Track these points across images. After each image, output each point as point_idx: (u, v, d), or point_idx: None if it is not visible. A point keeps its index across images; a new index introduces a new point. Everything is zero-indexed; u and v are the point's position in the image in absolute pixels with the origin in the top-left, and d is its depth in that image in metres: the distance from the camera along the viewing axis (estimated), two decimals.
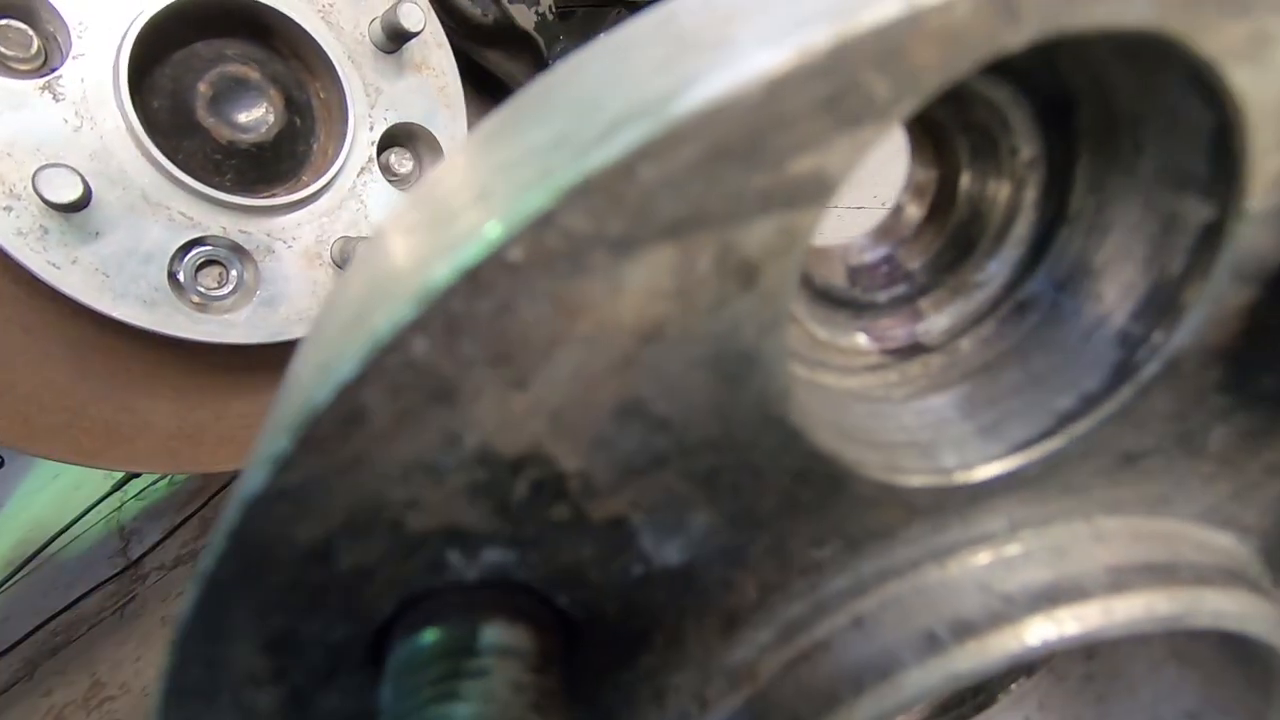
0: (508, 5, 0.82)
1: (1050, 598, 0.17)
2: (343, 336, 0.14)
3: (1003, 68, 0.17)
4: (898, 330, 0.21)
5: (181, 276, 0.66)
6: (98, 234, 0.61)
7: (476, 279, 0.13)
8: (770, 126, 0.12)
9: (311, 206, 0.71)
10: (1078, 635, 0.17)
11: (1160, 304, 0.17)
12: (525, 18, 0.84)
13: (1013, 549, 0.18)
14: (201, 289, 0.67)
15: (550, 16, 0.87)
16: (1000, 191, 0.20)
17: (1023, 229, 0.20)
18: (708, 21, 0.15)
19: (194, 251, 0.66)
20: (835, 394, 0.20)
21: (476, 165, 0.17)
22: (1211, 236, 0.16)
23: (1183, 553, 0.19)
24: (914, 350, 0.21)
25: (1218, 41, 0.14)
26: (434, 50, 0.76)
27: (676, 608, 0.18)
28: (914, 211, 0.22)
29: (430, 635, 0.15)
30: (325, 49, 0.70)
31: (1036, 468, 0.18)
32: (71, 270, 0.60)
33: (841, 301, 0.22)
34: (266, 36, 0.70)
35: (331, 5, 0.70)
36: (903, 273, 0.22)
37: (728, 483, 0.16)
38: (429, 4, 0.75)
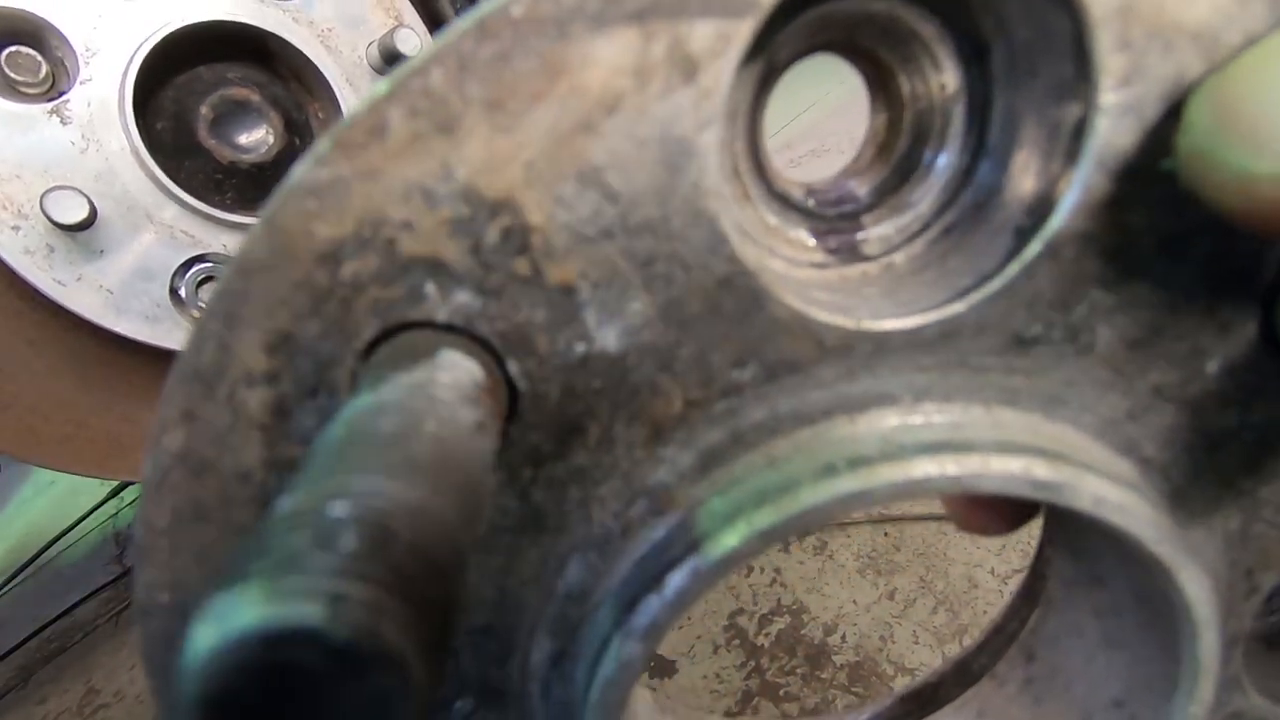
0: None
1: (938, 448, 0.20)
2: (388, 77, 0.17)
3: (926, 3, 0.21)
4: (842, 236, 0.24)
5: (183, 292, 0.68)
6: (102, 252, 0.63)
7: (485, 26, 0.16)
8: None
9: None
10: (954, 475, 0.19)
11: (1045, 198, 0.20)
12: None
13: (916, 417, 0.21)
14: (202, 304, 0.69)
15: None
16: (933, 123, 0.23)
17: (950, 156, 0.22)
18: None
19: (195, 268, 0.68)
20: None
21: None
22: (1079, 131, 0.18)
23: (1077, 451, 0.21)
24: (854, 256, 0.23)
25: None
26: None
27: (610, 402, 0.20)
28: (867, 152, 0.25)
29: (397, 348, 0.18)
30: (324, 72, 0.72)
31: (934, 330, 0.20)
32: (77, 287, 0.62)
33: (795, 206, 0.24)
34: (267, 60, 0.72)
35: (331, 30, 0.73)
36: (852, 196, 0.24)
37: (661, 272, 0.19)
38: (424, 30, 0.78)
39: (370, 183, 0.17)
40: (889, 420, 0.21)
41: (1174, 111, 0.18)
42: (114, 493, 1.72)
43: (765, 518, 0.19)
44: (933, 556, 1.31)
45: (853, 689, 1.14)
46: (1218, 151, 0.16)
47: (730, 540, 0.19)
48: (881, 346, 0.20)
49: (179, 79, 0.67)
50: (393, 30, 0.73)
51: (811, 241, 0.24)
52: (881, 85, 0.24)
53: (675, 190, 0.18)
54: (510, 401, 0.19)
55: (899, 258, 0.23)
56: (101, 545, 1.68)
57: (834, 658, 1.17)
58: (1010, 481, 0.19)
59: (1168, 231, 0.19)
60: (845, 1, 0.20)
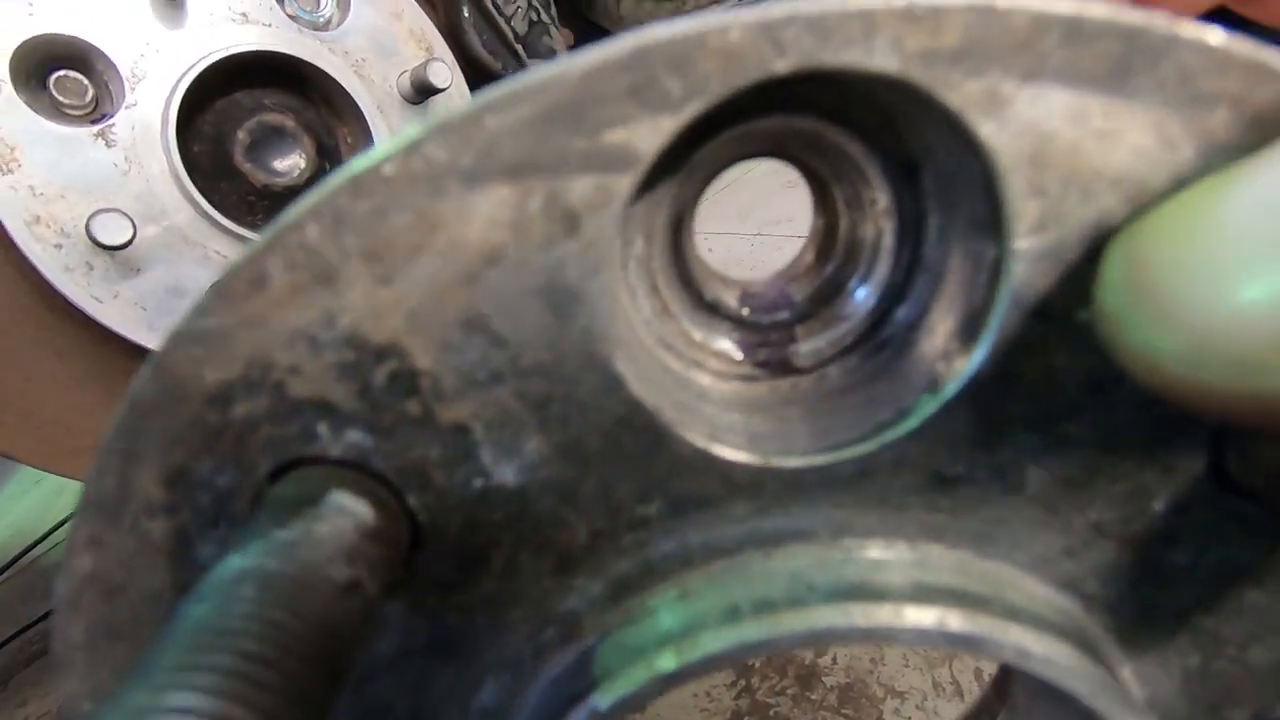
0: (525, 60, 0.87)
1: (849, 595, 0.19)
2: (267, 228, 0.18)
3: (851, 125, 0.21)
4: (773, 348, 0.24)
5: None
6: (139, 270, 0.64)
7: (359, 184, 0.17)
8: (588, 101, 0.16)
9: None
10: (863, 627, 0.18)
11: (966, 333, 0.19)
12: None
13: (834, 554, 0.20)
14: None
15: None
16: (866, 237, 0.22)
17: (883, 270, 0.22)
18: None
19: None
20: (686, 381, 0.23)
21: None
22: (995, 272, 0.18)
23: (1004, 593, 0.20)
24: (785, 369, 0.23)
25: (959, 95, 0.16)
26: (457, 102, 0.81)
27: (513, 533, 0.20)
28: (808, 254, 0.25)
29: (289, 489, 0.18)
30: (357, 100, 0.75)
31: (848, 468, 0.20)
32: (113, 304, 0.63)
33: (726, 316, 0.24)
34: (301, 86, 0.74)
35: (364, 60, 0.75)
36: (788, 301, 0.24)
37: (557, 413, 0.19)
38: (454, 61, 0.80)
39: (255, 330, 0.17)
40: (801, 559, 0.20)
41: (1095, 256, 0.17)
42: None
43: (666, 662, 0.19)
44: None
45: (843, 710, 1.16)
46: (1126, 317, 0.14)
47: (625, 687, 0.19)
48: (794, 484, 0.20)
49: (218, 104, 0.69)
50: (425, 63, 0.75)
51: (740, 355, 0.24)
52: (819, 187, 0.24)
53: (566, 335, 0.18)
54: (413, 531, 0.20)
55: (832, 370, 0.23)
56: None
57: (824, 679, 1.19)
58: (924, 635, 0.19)
59: (1097, 374, 0.18)
60: (763, 121, 0.20)
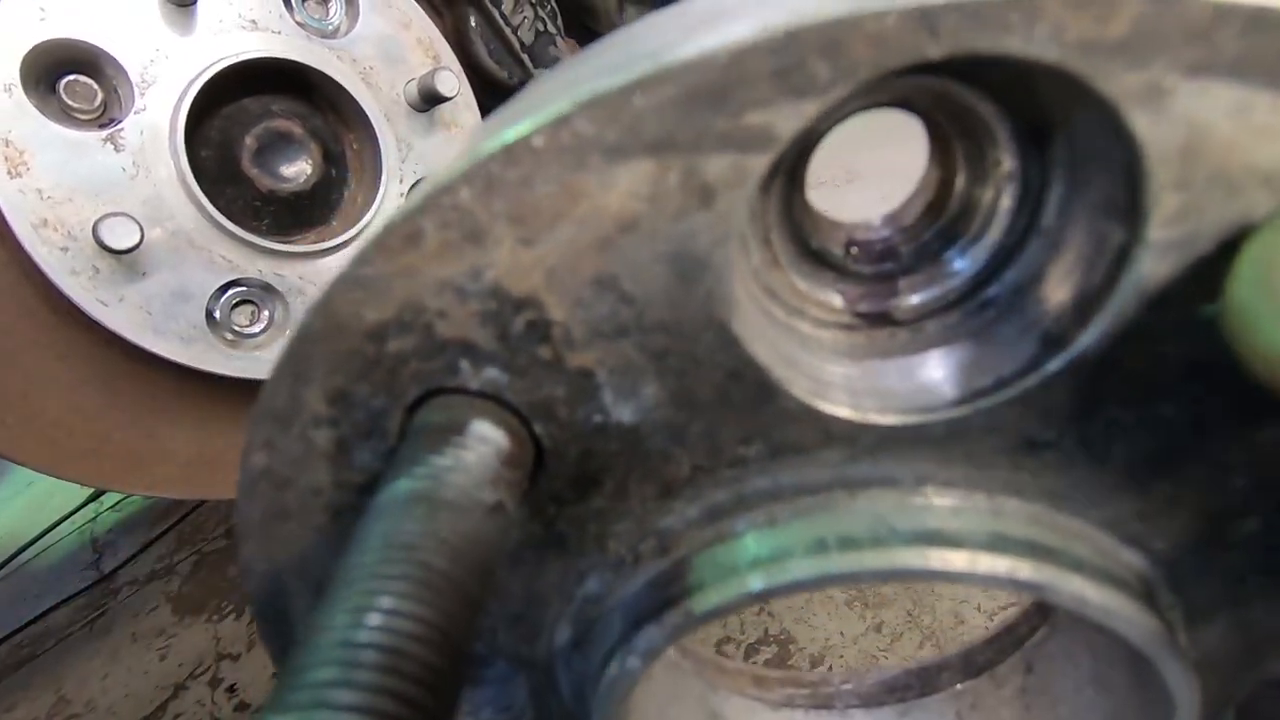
0: (531, 69, 0.88)
1: (928, 539, 0.21)
2: (423, 186, 0.20)
3: (985, 87, 0.20)
4: (873, 300, 0.24)
5: (218, 315, 0.69)
6: (144, 274, 0.64)
7: (510, 153, 0.18)
8: (733, 83, 0.17)
9: (343, 252, 0.75)
10: (939, 570, 0.20)
11: (1078, 313, 0.19)
12: None
13: (915, 500, 0.22)
14: (235, 327, 0.71)
15: None
16: (984, 197, 0.23)
17: (996, 234, 0.23)
18: (713, 10, 0.20)
19: (230, 292, 0.70)
20: (788, 329, 0.24)
21: (529, 93, 0.24)
22: (1121, 258, 0.18)
23: (1072, 545, 0.21)
24: (884, 320, 0.24)
25: (1117, 85, 0.16)
26: (463, 111, 0.82)
27: (625, 462, 0.22)
28: (918, 203, 0.25)
29: (436, 415, 0.20)
30: (364, 107, 0.75)
31: (940, 429, 0.21)
32: (118, 308, 0.63)
33: (830, 265, 0.25)
34: (309, 93, 0.74)
35: (372, 68, 0.76)
36: (893, 253, 0.25)
37: (674, 364, 0.21)
38: (460, 70, 0.81)
39: (409, 278, 0.20)
40: (884, 502, 0.21)
41: (1230, 251, 0.16)
42: (93, 497, 1.69)
43: (755, 582, 0.21)
44: (921, 591, 1.34)
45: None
46: (1258, 312, 0.14)
47: (717, 597, 0.21)
48: (886, 438, 0.21)
49: (226, 109, 0.69)
50: (433, 71, 0.76)
51: (840, 304, 0.25)
52: (939, 141, 0.24)
53: (689, 298, 0.20)
54: (537, 454, 0.22)
55: (930, 325, 0.23)
56: (78, 550, 1.64)
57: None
58: (994, 580, 0.20)
59: (1201, 359, 0.19)
60: (894, 81, 0.20)
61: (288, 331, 0.72)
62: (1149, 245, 0.17)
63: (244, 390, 0.75)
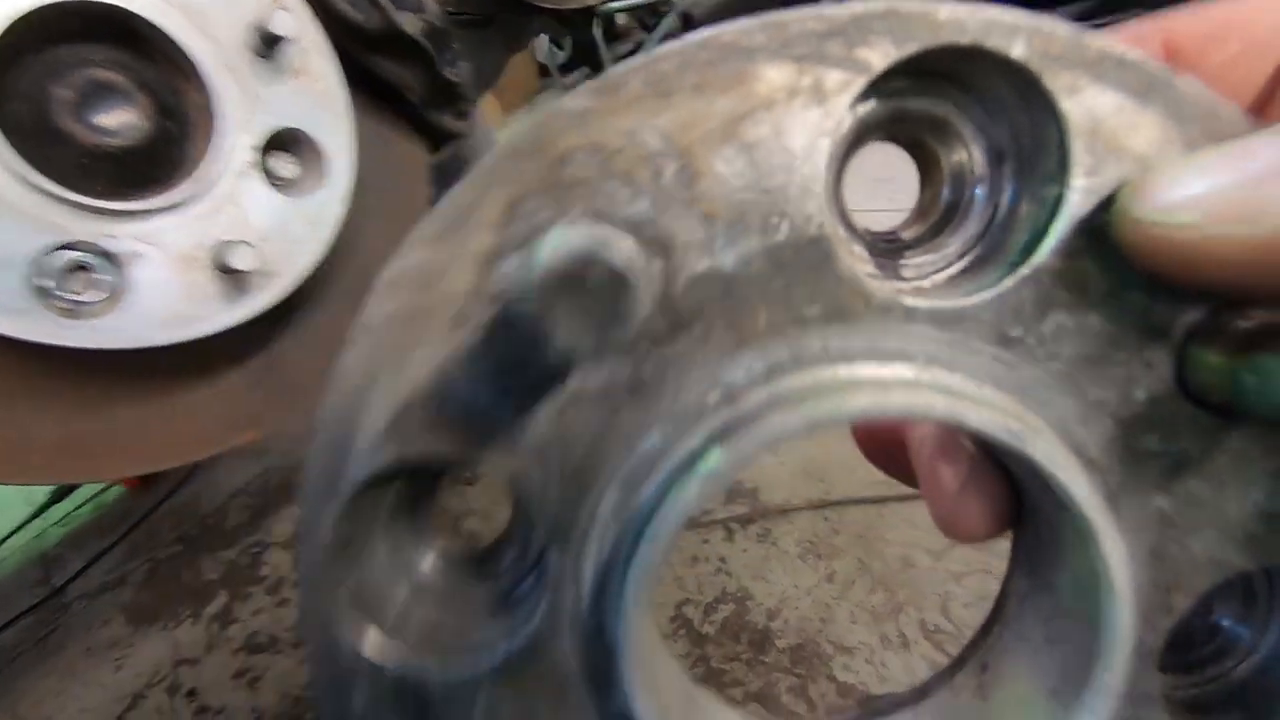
0: (392, 12, 0.83)
1: (941, 393, 0.25)
2: (638, 59, 0.26)
3: (966, 111, 0.29)
4: (888, 260, 0.31)
5: (48, 283, 0.65)
6: None
7: (705, 42, 0.25)
8: (852, 28, 0.25)
9: (185, 211, 0.71)
10: (949, 410, 0.25)
11: (1032, 243, 0.27)
12: (412, 24, 0.85)
13: (927, 373, 0.27)
14: (70, 295, 0.66)
15: (439, 24, 0.88)
16: (963, 194, 0.30)
17: (975, 227, 0.30)
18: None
19: (59, 256, 0.65)
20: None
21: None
22: (1058, 201, 0.27)
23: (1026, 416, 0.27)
24: (896, 275, 0.31)
25: (1056, 83, 0.25)
26: (313, 56, 0.77)
27: (716, 308, 0.27)
28: (913, 217, 0.33)
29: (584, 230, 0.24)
30: (196, 55, 0.70)
31: (947, 313, 0.27)
32: None
33: (857, 235, 0.32)
34: (136, 42, 0.70)
35: (203, 12, 0.71)
36: (899, 239, 0.32)
37: (775, 223, 0.26)
38: (307, 10, 0.76)
39: (606, 118, 0.25)
40: (907, 370, 0.26)
41: (1118, 191, 0.26)
42: (39, 512, 1.66)
43: (805, 413, 0.25)
44: (870, 539, 1.32)
45: (795, 670, 1.13)
46: (1126, 207, 0.25)
47: (787, 419, 0.25)
48: (910, 316, 0.27)
49: (34, 60, 0.65)
50: (270, 12, 0.71)
51: (867, 255, 0.31)
52: (926, 167, 0.32)
53: (797, 170, 0.26)
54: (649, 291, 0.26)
55: (928, 282, 0.30)
56: (26, 566, 1.61)
57: (776, 641, 1.17)
58: (989, 424, 0.25)
59: (1112, 280, 0.27)
60: (915, 100, 0.29)
61: (128, 299, 0.68)
62: (1074, 190, 0.26)
63: (106, 365, 0.71)
